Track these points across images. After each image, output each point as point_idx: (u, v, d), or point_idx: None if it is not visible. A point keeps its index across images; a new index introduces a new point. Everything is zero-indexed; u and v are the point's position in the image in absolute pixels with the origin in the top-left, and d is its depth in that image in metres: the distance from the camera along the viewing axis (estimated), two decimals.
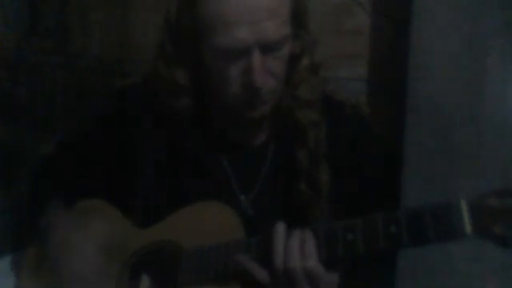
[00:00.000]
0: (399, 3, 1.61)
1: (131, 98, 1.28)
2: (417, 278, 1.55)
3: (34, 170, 1.40)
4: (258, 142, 1.25)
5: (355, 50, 1.73)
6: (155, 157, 1.24)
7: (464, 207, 0.95)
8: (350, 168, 1.20)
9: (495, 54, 1.46)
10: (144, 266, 1.19)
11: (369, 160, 1.23)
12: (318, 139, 1.19)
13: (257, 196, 1.23)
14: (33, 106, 2.25)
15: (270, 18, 1.08)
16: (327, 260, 1.03)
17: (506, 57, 1.46)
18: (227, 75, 1.12)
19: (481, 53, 1.47)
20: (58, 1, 2.17)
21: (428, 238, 0.96)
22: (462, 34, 1.48)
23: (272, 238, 1.05)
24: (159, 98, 1.22)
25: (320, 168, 1.19)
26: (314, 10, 1.20)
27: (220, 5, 1.07)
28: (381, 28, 1.70)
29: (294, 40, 1.15)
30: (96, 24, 2.12)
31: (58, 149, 1.38)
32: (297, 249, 1.03)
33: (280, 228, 1.06)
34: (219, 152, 1.24)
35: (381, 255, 1.04)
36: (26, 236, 1.29)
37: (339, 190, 1.20)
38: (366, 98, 1.73)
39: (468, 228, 0.94)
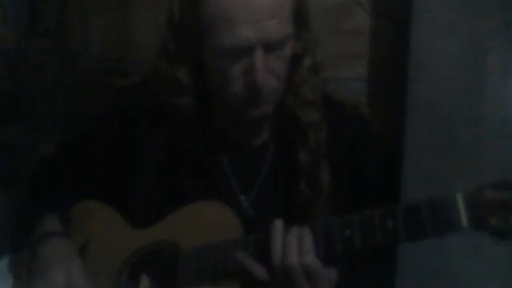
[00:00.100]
0: (399, 3, 1.61)
1: (131, 97, 1.28)
2: (417, 277, 1.55)
3: (33, 170, 1.40)
4: (258, 142, 1.25)
5: (355, 50, 1.73)
6: (155, 157, 1.24)
7: (460, 200, 0.95)
8: (350, 168, 1.21)
9: (495, 54, 1.46)
10: (144, 266, 1.19)
11: (369, 160, 1.23)
12: (319, 139, 1.19)
13: (257, 196, 1.23)
14: (33, 106, 2.25)
15: (272, 17, 1.08)
16: (325, 256, 1.03)
17: (506, 57, 1.46)
18: (229, 74, 1.12)
19: (481, 53, 1.47)
20: (57, 1, 2.17)
21: (425, 232, 0.97)
22: (462, 34, 1.48)
23: (270, 235, 1.05)
24: (160, 98, 1.22)
25: (320, 168, 1.19)
26: (314, 9, 1.20)
27: (223, 3, 1.07)
28: (381, 28, 1.70)
29: (296, 40, 1.15)
30: (96, 24, 2.12)
31: (57, 149, 1.38)
32: (295, 245, 1.03)
33: (278, 225, 1.06)
34: (219, 152, 1.24)
35: (379, 252, 1.04)
36: (26, 236, 1.28)
37: (339, 190, 1.20)
38: (366, 98, 1.73)
39: (464, 221, 0.94)
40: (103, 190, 1.27)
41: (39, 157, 1.45)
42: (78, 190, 1.29)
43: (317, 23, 1.21)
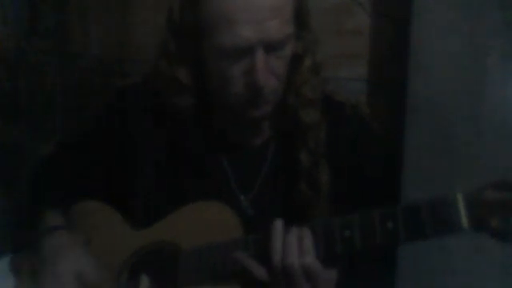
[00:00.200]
0: (399, 3, 1.61)
1: (131, 97, 1.28)
2: (417, 277, 1.55)
3: (34, 170, 1.40)
4: (258, 142, 1.25)
5: (355, 50, 1.73)
6: (155, 157, 1.24)
7: (460, 201, 0.95)
8: (349, 168, 1.21)
9: (495, 54, 1.46)
10: (144, 265, 1.19)
11: (369, 160, 1.23)
12: (318, 139, 1.19)
13: (256, 196, 1.23)
14: (33, 106, 2.25)
15: (273, 17, 1.08)
16: (325, 256, 1.03)
17: (506, 57, 1.46)
18: (230, 74, 1.12)
19: (481, 53, 1.47)
20: (57, 1, 2.17)
21: (425, 232, 0.97)
22: (462, 33, 1.48)
23: (270, 235, 1.05)
24: (160, 98, 1.22)
25: (320, 168, 1.19)
26: (314, 9, 1.20)
27: (224, 3, 1.07)
28: (381, 28, 1.70)
29: (297, 40, 1.15)
30: (96, 24, 2.12)
31: (57, 149, 1.38)
32: (295, 245, 1.03)
33: (278, 225, 1.06)
34: (219, 152, 1.24)
35: (379, 252, 1.04)
36: (26, 236, 1.28)
37: (339, 190, 1.20)
38: (366, 98, 1.73)
39: (465, 221, 0.94)
40: (103, 190, 1.27)
41: (39, 157, 1.45)
42: (77, 190, 1.29)
43: (317, 23, 1.21)
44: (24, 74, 2.25)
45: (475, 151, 1.49)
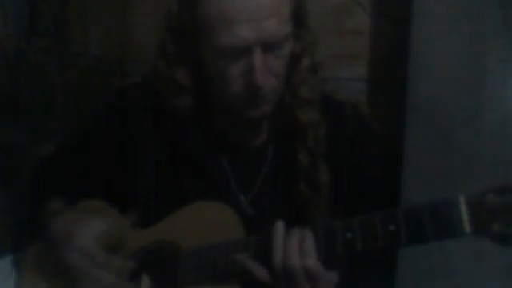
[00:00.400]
0: (399, 3, 1.61)
1: (131, 97, 1.28)
2: (417, 277, 1.55)
3: (33, 170, 1.40)
4: (257, 142, 1.25)
5: (355, 50, 1.73)
6: (155, 157, 1.24)
7: (462, 205, 0.95)
8: (349, 168, 1.20)
9: (495, 54, 1.46)
10: (144, 266, 1.19)
11: (369, 160, 1.23)
12: (318, 139, 1.19)
13: (256, 196, 1.23)
14: (33, 106, 2.25)
15: (271, 16, 1.08)
16: (326, 258, 1.03)
17: (506, 57, 1.46)
18: (228, 75, 1.12)
19: (481, 53, 1.47)
20: (57, 1, 2.17)
21: (426, 236, 0.96)
22: (462, 34, 1.48)
23: (271, 237, 1.05)
24: (159, 98, 1.22)
25: (320, 168, 1.19)
26: (313, 9, 1.20)
27: (221, 3, 1.07)
28: (381, 28, 1.70)
29: (295, 40, 1.15)
30: (96, 24, 2.12)
31: (58, 149, 1.38)
32: (296, 247, 1.03)
33: (279, 226, 1.06)
34: (219, 152, 1.24)
35: (380, 254, 1.04)
36: (26, 236, 1.28)
37: (339, 190, 1.20)
38: (366, 98, 1.73)
39: (466, 226, 0.94)
40: (103, 190, 1.26)
41: (39, 157, 1.45)
42: (78, 190, 1.28)
43: (317, 23, 1.21)
44: (24, 74, 2.25)
45: (475, 151, 1.49)
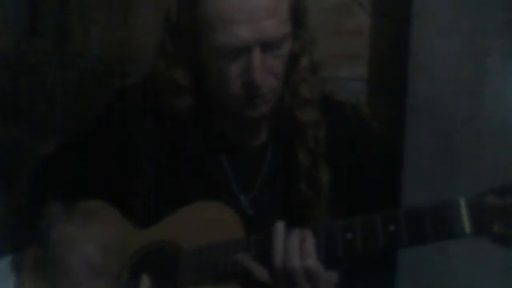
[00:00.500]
0: (399, 3, 1.61)
1: (131, 97, 1.28)
2: (417, 277, 1.55)
3: (34, 170, 1.40)
4: (257, 142, 1.25)
5: (355, 50, 1.73)
6: (155, 157, 1.24)
7: (463, 206, 0.95)
8: (349, 168, 1.20)
9: (495, 54, 1.46)
10: (144, 265, 1.19)
11: (369, 160, 1.23)
12: (318, 139, 1.19)
13: (256, 196, 1.23)
14: (33, 106, 2.25)
15: (269, 16, 1.08)
16: (326, 258, 1.03)
17: (506, 57, 1.46)
18: (227, 75, 1.12)
19: (481, 53, 1.47)
20: (58, 1, 2.17)
21: (427, 237, 0.96)
22: (462, 33, 1.48)
23: (272, 237, 1.05)
24: (159, 98, 1.22)
25: (320, 168, 1.19)
26: (313, 9, 1.20)
27: (220, 3, 1.07)
28: (381, 28, 1.70)
29: (294, 39, 1.15)
30: (96, 24, 2.12)
31: (58, 149, 1.38)
32: (296, 247, 1.03)
33: (279, 227, 1.06)
34: (219, 152, 1.24)
35: (380, 254, 1.04)
36: (26, 236, 1.29)
37: (339, 190, 1.20)
38: (366, 98, 1.73)
39: (467, 227, 0.94)
40: (103, 190, 1.26)
41: (39, 157, 1.45)
42: (78, 190, 1.29)
43: (317, 23, 1.21)
44: (24, 74, 2.25)
45: (475, 151, 1.49)
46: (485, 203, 0.94)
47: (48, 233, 1.20)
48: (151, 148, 1.24)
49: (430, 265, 1.52)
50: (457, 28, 1.48)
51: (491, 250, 0.97)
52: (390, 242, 0.99)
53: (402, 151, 1.56)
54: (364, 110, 1.56)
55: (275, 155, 1.24)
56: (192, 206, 1.18)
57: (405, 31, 1.55)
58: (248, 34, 1.07)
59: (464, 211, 0.94)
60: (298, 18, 1.15)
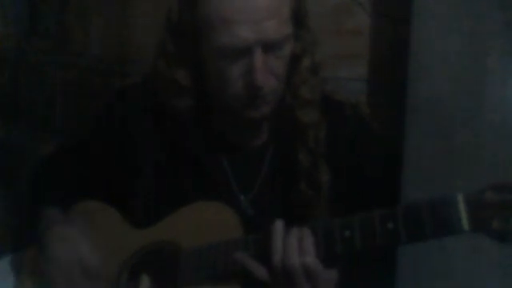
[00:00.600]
0: (399, 3, 1.61)
1: (131, 98, 1.28)
2: (416, 277, 1.55)
3: (33, 170, 1.40)
4: (257, 142, 1.25)
5: (355, 50, 1.73)
6: (155, 157, 1.24)
7: (461, 202, 0.95)
8: (349, 168, 1.21)
9: (495, 54, 1.46)
10: (144, 266, 1.19)
11: (369, 160, 1.23)
12: (318, 139, 1.19)
13: (256, 196, 1.23)
14: (33, 106, 2.25)
15: (271, 17, 1.08)
16: (325, 257, 1.03)
17: (506, 57, 1.46)
18: (228, 75, 1.12)
19: (481, 53, 1.47)
20: (57, 1, 2.17)
21: (425, 233, 0.97)
22: (462, 34, 1.48)
23: (270, 236, 1.05)
24: (159, 98, 1.22)
25: (320, 168, 1.19)
26: (313, 9, 1.20)
27: (221, 4, 1.07)
28: (381, 28, 1.70)
29: (295, 40, 1.15)
30: (96, 24, 2.12)
31: (58, 149, 1.39)
32: (295, 246, 1.03)
33: (278, 225, 1.06)
34: (219, 152, 1.24)
35: (379, 252, 1.04)
36: (26, 236, 1.29)
37: (339, 190, 1.20)
38: (366, 98, 1.73)
39: (465, 223, 0.94)
40: (103, 190, 1.27)
41: (39, 157, 1.45)
42: (78, 190, 1.29)
43: (317, 23, 1.21)
44: (24, 74, 2.25)
45: (475, 151, 1.49)
46: (483, 199, 0.94)
47: (45, 234, 1.20)
48: (151, 148, 1.24)
49: (430, 264, 1.52)
50: (457, 28, 1.48)
51: (491, 248, 0.98)
52: (389, 239, 0.99)
53: (401, 151, 1.56)
54: (364, 109, 1.56)
55: (275, 155, 1.24)
56: (192, 206, 1.18)
57: (405, 31, 1.55)
58: (249, 34, 1.07)
59: (462, 207, 0.95)
60: (299, 18, 1.15)
